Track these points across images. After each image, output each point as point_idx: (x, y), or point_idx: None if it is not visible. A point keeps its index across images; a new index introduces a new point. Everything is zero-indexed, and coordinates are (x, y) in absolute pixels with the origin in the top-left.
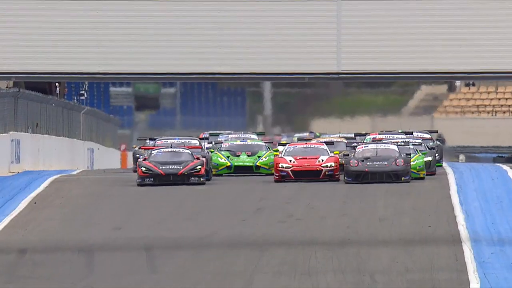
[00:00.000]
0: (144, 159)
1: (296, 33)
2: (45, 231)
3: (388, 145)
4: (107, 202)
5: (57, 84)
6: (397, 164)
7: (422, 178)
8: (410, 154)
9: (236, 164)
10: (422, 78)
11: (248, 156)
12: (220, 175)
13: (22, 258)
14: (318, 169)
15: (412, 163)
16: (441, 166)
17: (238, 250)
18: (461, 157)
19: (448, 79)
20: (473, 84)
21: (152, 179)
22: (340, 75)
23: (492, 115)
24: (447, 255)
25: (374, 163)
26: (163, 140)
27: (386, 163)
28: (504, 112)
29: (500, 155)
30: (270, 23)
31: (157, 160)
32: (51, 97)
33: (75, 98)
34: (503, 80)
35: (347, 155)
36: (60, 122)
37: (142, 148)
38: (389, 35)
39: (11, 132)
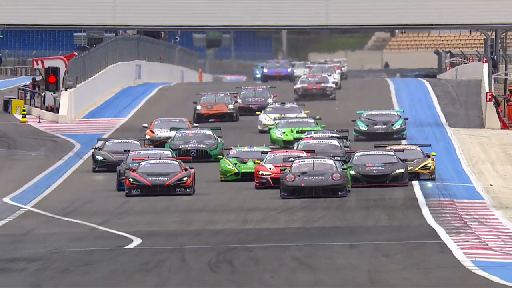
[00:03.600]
0: (133, 170)
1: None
2: (154, 115)
3: (324, 159)
4: (191, 99)
5: (162, 32)
6: (334, 178)
7: (348, 191)
8: (346, 169)
9: (243, 171)
10: (377, 29)
11: (255, 163)
12: (228, 181)
13: (143, 131)
14: None
15: None
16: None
17: None
18: (398, 75)
19: (391, 29)
20: (405, 32)
21: (139, 190)
22: (328, 27)
23: (415, 50)
24: None
25: (310, 177)
26: (136, 152)
27: (323, 177)
28: (423, 49)
29: (420, 73)
30: None
31: (144, 171)
32: (158, 40)
33: (173, 40)
34: (423, 29)
35: (284, 170)
36: (164, 54)
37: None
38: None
39: (135, 60)
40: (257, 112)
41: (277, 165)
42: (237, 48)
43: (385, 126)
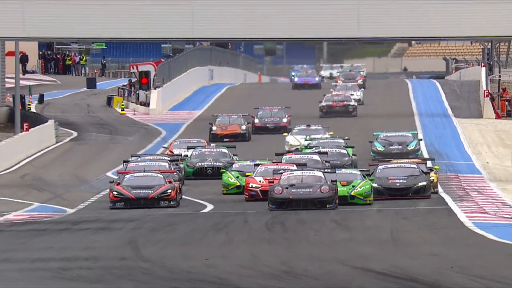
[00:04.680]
0: (117, 184)
1: (333, 15)
2: (222, 109)
3: (313, 171)
4: (256, 96)
5: (229, 43)
6: (322, 191)
7: (370, 204)
8: (335, 181)
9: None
10: (398, 40)
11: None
12: (230, 194)
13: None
14: None
15: (359, 189)
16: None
17: None
18: (414, 77)
19: (409, 40)
20: (419, 43)
21: (123, 203)
22: (359, 39)
23: (428, 57)
24: (408, 122)
25: (298, 190)
26: (134, 163)
27: (311, 190)
28: (434, 56)
29: (431, 75)
30: (321, 7)
31: (129, 184)
32: (226, 49)
33: (238, 50)
34: (434, 40)
35: (272, 182)
36: (230, 61)
37: (120, 173)
38: (387, 15)
39: (208, 66)
40: (284, 134)
41: (267, 178)
42: (288, 55)
43: (400, 147)
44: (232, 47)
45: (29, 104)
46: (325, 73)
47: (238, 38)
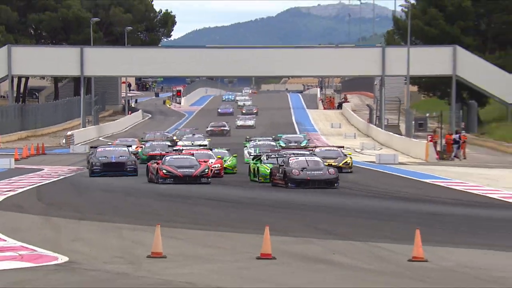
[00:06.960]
0: (157, 164)
1: (257, 63)
2: (212, 105)
3: (313, 157)
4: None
5: (213, 78)
6: (330, 173)
7: None
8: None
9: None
10: (285, 76)
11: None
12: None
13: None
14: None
15: None
16: None
17: None
18: (290, 92)
19: (291, 76)
20: (291, 77)
21: (172, 180)
22: (268, 75)
23: (296, 84)
24: (287, 112)
25: (313, 172)
26: (102, 148)
27: (322, 172)
28: (298, 83)
29: (297, 91)
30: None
31: (172, 164)
32: (212, 80)
33: (218, 80)
34: (299, 76)
35: (282, 165)
36: (213, 85)
37: (91, 147)
38: (280, 64)
39: (205, 87)
40: (176, 140)
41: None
42: (238, 82)
43: (296, 144)
44: (215, 78)
45: (131, 104)
46: (239, 98)
47: (215, 76)
